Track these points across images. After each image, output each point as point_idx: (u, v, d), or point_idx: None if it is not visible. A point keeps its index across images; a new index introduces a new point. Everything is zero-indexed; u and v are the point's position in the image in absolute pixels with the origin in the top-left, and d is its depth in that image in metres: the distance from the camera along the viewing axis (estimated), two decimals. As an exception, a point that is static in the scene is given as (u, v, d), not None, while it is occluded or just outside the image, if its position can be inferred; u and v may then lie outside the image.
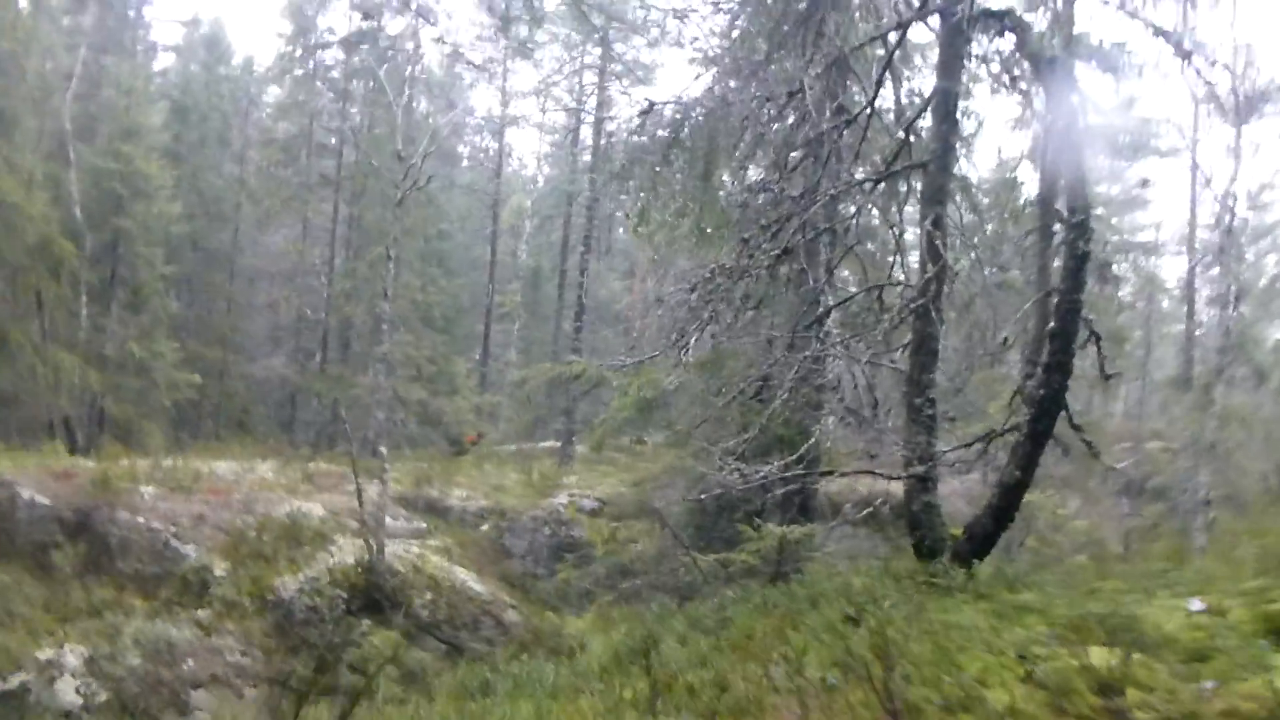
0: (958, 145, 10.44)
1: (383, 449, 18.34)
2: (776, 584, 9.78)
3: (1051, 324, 7.42)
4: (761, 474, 9.91)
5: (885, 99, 11.80)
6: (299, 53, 31.23)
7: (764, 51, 10.44)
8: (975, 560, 7.55)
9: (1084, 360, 8.59)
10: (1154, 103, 42.74)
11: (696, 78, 15.78)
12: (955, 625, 5.92)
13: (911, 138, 9.54)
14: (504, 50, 31.12)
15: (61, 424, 22.43)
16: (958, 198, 10.95)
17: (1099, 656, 4.59)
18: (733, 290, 8.86)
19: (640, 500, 19.57)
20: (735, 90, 9.89)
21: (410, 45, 29.50)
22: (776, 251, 8.40)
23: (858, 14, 11.08)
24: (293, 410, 31.91)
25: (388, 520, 17.88)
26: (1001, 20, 7.93)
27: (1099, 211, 28.93)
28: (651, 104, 10.62)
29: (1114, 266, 10.10)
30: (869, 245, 16.90)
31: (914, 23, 9.21)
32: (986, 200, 13.58)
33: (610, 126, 27.75)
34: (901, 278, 11.04)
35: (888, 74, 9.97)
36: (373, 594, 16.69)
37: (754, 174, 10.71)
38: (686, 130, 9.67)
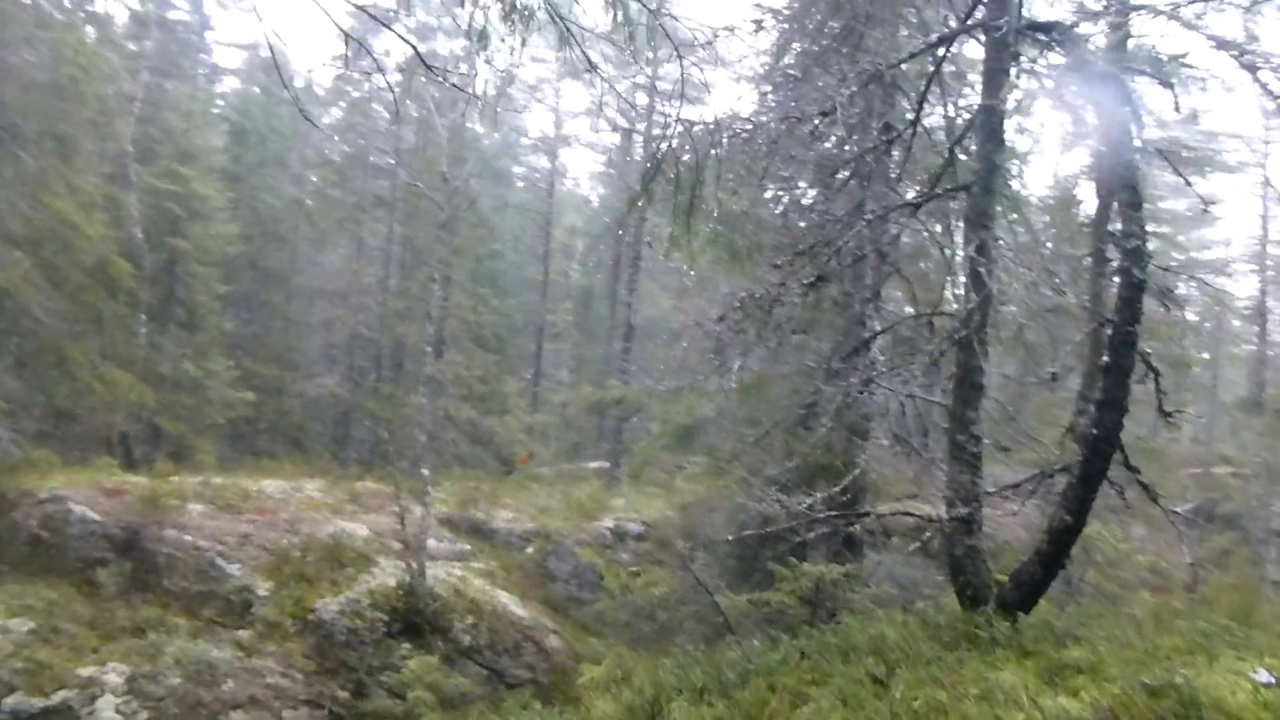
0: (1008, 164, 9.95)
1: (425, 471, 18.28)
2: (814, 626, 9.30)
3: (1105, 358, 6.86)
4: (804, 504, 9.50)
5: (935, 117, 11.35)
6: (355, 75, 31.68)
7: (804, 68, 10.09)
8: (1021, 611, 7.01)
9: (1146, 385, 7.98)
10: (1222, 116, 41.25)
11: (739, 99, 15.45)
12: (994, 689, 5.46)
13: (959, 156, 9.08)
14: (555, 70, 31.19)
15: (119, 440, 22.91)
16: (1012, 216, 10.42)
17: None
18: (766, 318, 8.45)
19: (688, 525, 19.13)
20: (772, 110, 9.54)
21: (464, 68, 29.69)
22: (809, 280, 7.97)
23: (903, 30, 10.68)
24: (346, 428, 32.20)
25: (431, 542, 17.78)
26: (1049, 33, 7.42)
27: (1163, 229, 27.84)
28: (690, 124, 10.31)
29: (1178, 288, 9.45)
30: (921, 265, 16.36)
31: (959, 37, 8.75)
32: (1046, 219, 13.00)
33: (661, 146, 27.50)
34: (952, 300, 10.58)
35: (933, 90, 9.50)
36: (413, 617, 16.59)
37: (786, 196, 10.33)
38: (716, 151, 9.33)
